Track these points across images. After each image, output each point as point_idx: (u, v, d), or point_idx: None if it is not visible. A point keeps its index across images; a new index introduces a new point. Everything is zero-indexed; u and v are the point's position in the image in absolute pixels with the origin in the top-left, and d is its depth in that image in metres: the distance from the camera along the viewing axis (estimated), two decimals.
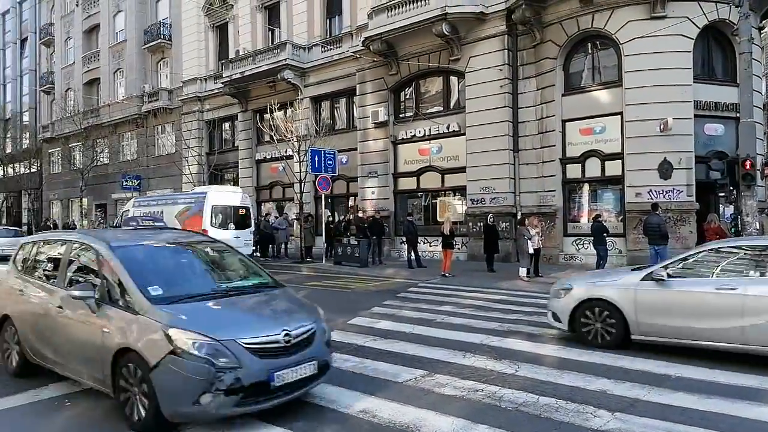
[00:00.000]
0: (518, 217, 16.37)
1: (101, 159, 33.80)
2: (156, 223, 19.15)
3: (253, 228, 20.06)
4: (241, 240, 18.24)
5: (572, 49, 16.67)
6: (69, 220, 37.00)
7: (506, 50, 17.39)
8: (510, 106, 17.39)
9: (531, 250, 13.62)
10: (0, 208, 45.37)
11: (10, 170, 42.90)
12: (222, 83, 25.63)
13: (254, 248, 19.98)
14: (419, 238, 17.58)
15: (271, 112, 20.76)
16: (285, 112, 21.67)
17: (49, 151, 40.23)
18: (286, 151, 20.46)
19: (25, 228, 37.61)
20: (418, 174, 20.07)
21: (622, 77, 15.31)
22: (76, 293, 4.78)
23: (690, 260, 6.68)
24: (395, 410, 4.68)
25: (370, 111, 20.70)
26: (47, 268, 5.92)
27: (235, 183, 27.35)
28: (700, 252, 6.82)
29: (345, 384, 5.40)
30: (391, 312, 9.51)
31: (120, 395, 4.43)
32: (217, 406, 4.07)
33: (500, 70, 17.37)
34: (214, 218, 18.31)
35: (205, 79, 28.19)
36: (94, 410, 4.87)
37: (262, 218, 23.25)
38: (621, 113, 15.39)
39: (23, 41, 44.58)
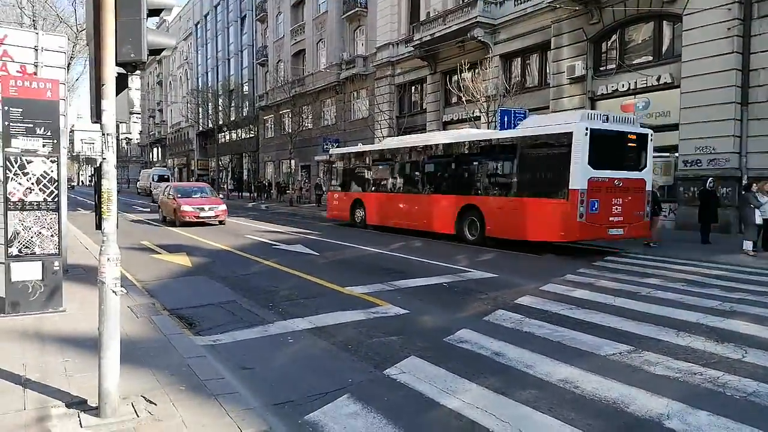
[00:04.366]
0: (744, 182, 14.12)
1: (306, 124, 37.23)
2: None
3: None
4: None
5: None
6: (280, 179, 41.75)
7: None
8: (739, 51, 14.80)
9: (759, 221, 11.66)
10: (226, 167, 53.03)
11: (234, 135, 49.84)
12: (412, 47, 26.11)
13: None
14: None
15: (460, 72, 20.60)
16: (473, 72, 21.32)
17: (264, 117, 45.53)
18: (473, 112, 20.25)
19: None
20: None
21: None
22: None
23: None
24: (599, 384, 4.44)
25: (565, 66, 19.35)
26: None
27: None
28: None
29: (541, 350, 5.27)
30: (587, 281, 9.00)
31: None
32: None
33: (728, 9, 14.81)
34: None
35: (397, 44, 28.99)
36: (312, 348, 5.51)
37: None
38: None
39: (242, 19, 50.50)
